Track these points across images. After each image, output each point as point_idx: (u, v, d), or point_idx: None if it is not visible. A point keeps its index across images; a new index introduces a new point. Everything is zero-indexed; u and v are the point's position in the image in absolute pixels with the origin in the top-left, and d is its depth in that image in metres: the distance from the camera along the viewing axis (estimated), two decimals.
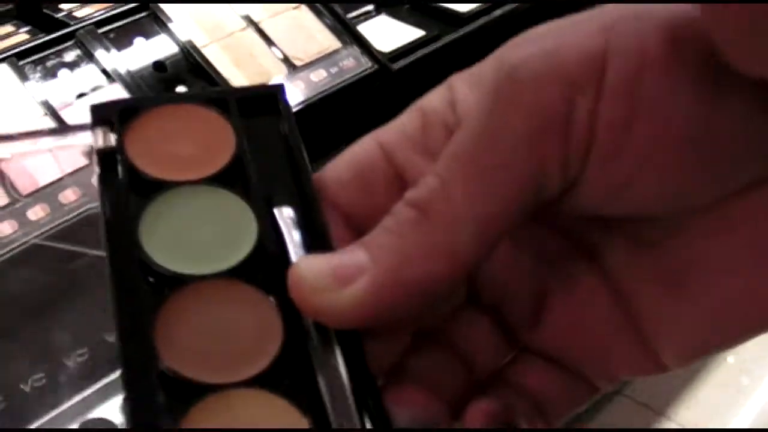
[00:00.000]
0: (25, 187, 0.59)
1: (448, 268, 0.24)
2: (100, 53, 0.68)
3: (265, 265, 0.27)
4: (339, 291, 0.24)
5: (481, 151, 0.24)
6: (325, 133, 0.56)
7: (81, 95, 0.66)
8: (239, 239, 0.27)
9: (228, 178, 0.28)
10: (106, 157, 0.28)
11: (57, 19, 0.74)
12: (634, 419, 0.63)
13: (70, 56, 0.69)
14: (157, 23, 0.72)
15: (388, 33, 0.77)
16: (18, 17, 0.77)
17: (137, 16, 0.72)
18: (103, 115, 0.29)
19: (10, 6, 0.78)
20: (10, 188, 0.59)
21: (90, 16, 0.72)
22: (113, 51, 0.69)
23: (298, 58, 0.72)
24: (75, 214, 0.60)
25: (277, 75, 0.71)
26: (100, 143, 0.28)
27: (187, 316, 0.25)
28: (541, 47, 0.24)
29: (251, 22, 0.74)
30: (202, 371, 0.24)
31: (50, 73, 0.67)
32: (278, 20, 0.74)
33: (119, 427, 0.51)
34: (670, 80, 0.23)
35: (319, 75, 0.71)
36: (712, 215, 0.25)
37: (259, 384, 0.24)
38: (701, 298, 0.26)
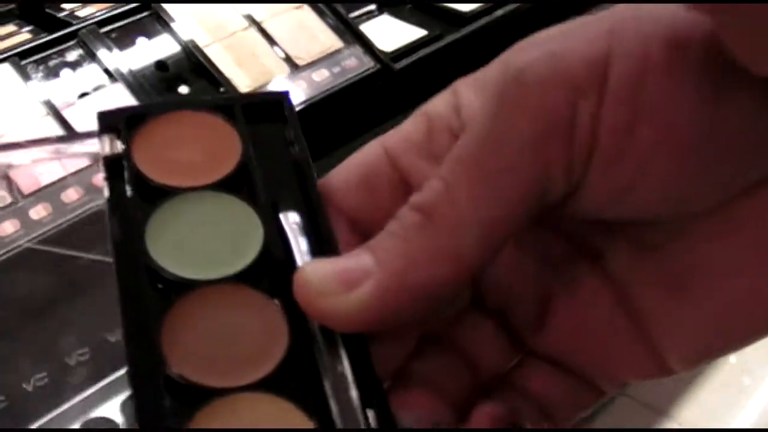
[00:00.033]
0: (27, 186, 0.59)
1: (452, 271, 0.24)
2: (102, 53, 0.68)
3: (271, 269, 0.27)
4: (344, 295, 0.24)
5: (486, 154, 0.24)
6: (327, 133, 0.56)
7: (83, 95, 0.66)
8: (245, 244, 0.27)
9: (234, 184, 0.28)
10: (112, 164, 0.28)
11: (59, 18, 0.74)
12: (636, 419, 0.63)
13: (72, 56, 0.69)
14: (159, 23, 0.72)
15: (391, 33, 0.77)
16: (20, 17, 0.77)
17: (139, 16, 0.72)
18: (110, 122, 0.29)
19: (12, 5, 0.78)
20: (12, 187, 0.59)
21: (92, 16, 0.72)
22: (115, 50, 0.69)
23: (301, 58, 0.72)
24: (77, 213, 0.60)
25: (279, 75, 0.71)
26: (107, 150, 0.29)
27: (193, 321, 0.25)
28: (546, 51, 0.24)
29: (253, 21, 0.74)
30: (209, 375, 0.24)
31: (52, 73, 0.67)
32: (280, 20, 0.74)
33: (121, 426, 0.51)
34: (672, 84, 0.23)
35: (321, 75, 0.71)
36: (714, 218, 0.25)
37: (265, 388, 0.24)
38: (704, 302, 0.26)
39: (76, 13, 0.75)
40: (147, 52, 0.71)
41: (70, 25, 0.70)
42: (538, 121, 0.24)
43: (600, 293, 0.28)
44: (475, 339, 0.29)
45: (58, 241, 0.58)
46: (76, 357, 0.53)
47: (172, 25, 0.72)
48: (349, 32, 0.75)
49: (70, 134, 0.58)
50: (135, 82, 0.67)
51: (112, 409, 0.51)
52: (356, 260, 0.25)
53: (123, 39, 0.70)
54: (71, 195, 0.60)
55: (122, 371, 0.53)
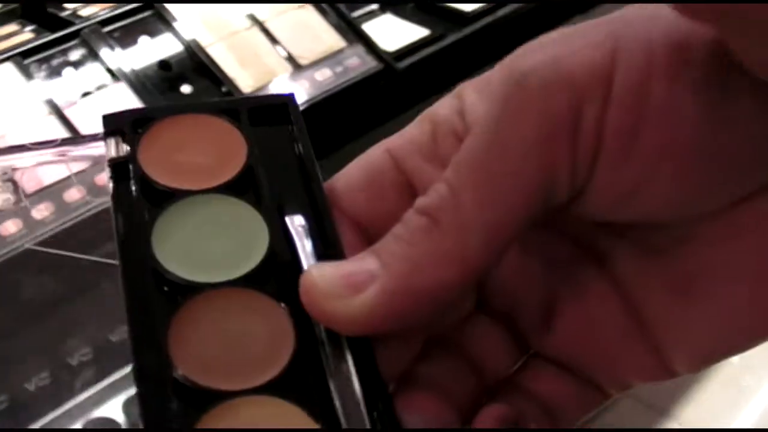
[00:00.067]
0: (30, 186, 0.60)
1: (458, 275, 0.24)
2: (104, 52, 0.68)
3: (277, 273, 0.27)
4: (350, 298, 0.24)
5: (490, 158, 0.24)
6: (329, 133, 0.56)
7: (86, 94, 0.66)
8: (251, 247, 0.27)
9: (239, 187, 0.28)
10: (118, 167, 0.28)
11: (62, 18, 0.75)
12: (637, 419, 0.63)
13: (74, 55, 0.69)
14: (162, 22, 0.72)
15: (393, 32, 0.77)
16: (23, 16, 0.77)
17: (142, 15, 0.72)
18: (115, 125, 0.29)
19: (15, 5, 0.78)
20: (16, 187, 0.59)
21: (95, 15, 0.72)
22: (118, 50, 0.69)
23: (303, 57, 0.72)
24: (80, 213, 0.60)
25: (281, 74, 0.71)
26: (113, 153, 0.29)
27: (199, 323, 0.25)
28: (550, 55, 0.24)
29: (256, 21, 0.74)
30: (215, 378, 0.24)
31: (55, 72, 0.67)
32: (283, 19, 0.75)
33: (123, 426, 0.51)
34: (677, 87, 0.23)
35: (323, 74, 0.72)
36: (719, 222, 0.25)
37: (271, 391, 0.24)
38: (709, 306, 0.26)
39: (79, 13, 0.75)
40: (150, 51, 0.71)
41: (73, 24, 0.71)
42: (542, 125, 0.24)
43: (605, 296, 0.28)
44: (480, 342, 0.29)
45: (60, 241, 0.58)
46: (78, 357, 0.53)
47: (175, 24, 0.72)
48: (352, 32, 0.75)
49: (75, 137, 0.58)
50: (137, 81, 0.67)
51: (114, 410, 0.51)
52: (362, 264, 0.25)
53: (125, 38, 0.71)
54: (74, 195, 0.60)
55: (124, 371, 0.53)
